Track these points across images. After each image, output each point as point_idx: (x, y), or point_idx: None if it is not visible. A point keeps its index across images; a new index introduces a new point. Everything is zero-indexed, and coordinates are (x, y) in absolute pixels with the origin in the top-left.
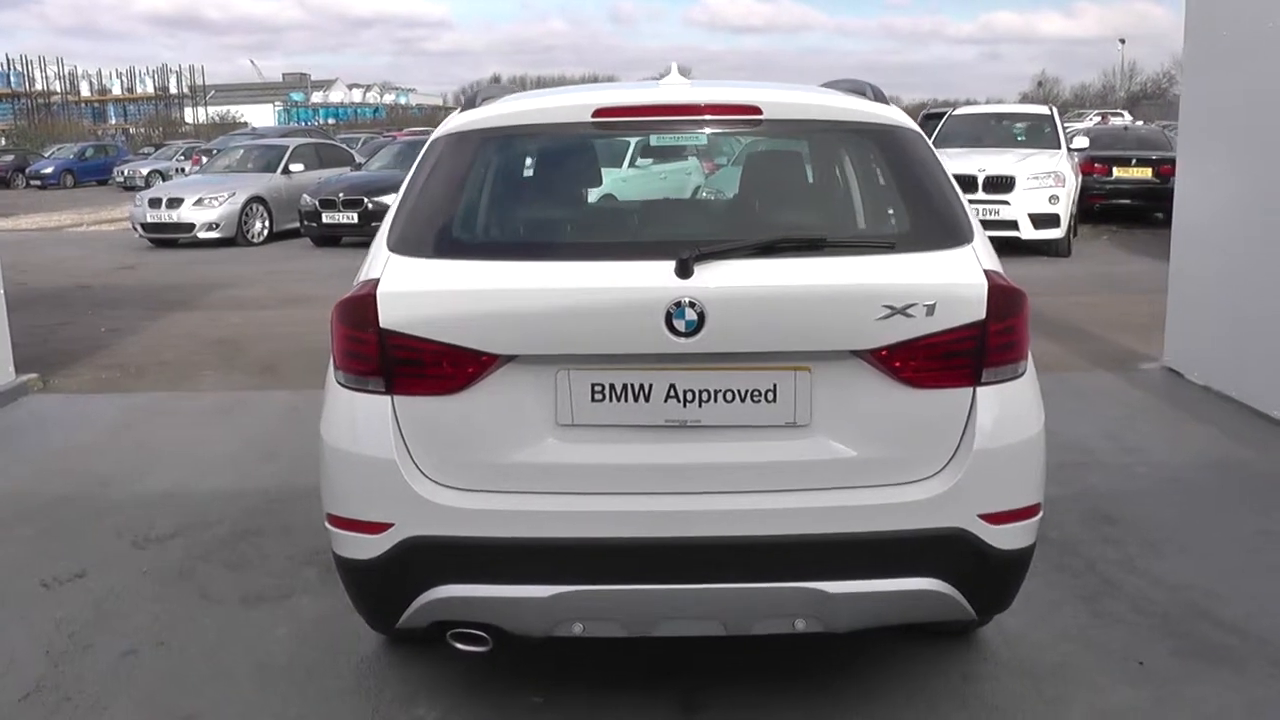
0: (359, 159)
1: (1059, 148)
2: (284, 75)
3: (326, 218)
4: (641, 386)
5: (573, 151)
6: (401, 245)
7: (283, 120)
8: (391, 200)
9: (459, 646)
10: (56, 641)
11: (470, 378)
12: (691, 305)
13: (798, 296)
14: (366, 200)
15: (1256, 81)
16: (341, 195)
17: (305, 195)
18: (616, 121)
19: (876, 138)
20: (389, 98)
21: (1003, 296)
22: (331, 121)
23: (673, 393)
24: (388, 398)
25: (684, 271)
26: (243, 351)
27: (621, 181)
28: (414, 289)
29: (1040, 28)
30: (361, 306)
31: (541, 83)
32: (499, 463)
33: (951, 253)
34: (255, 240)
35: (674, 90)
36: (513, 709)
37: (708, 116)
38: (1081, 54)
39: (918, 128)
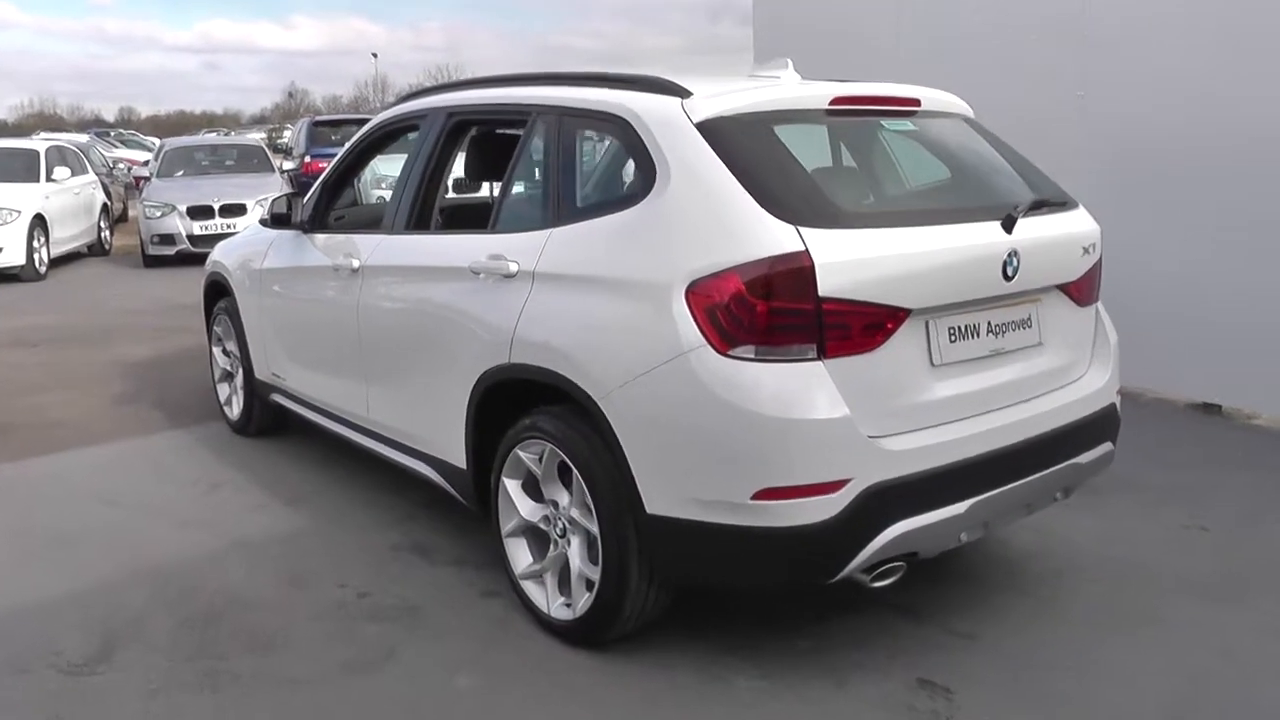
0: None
1: None
2: None
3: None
4: (974, 326)
5: (816, 135)
6: (806, 217)
7: None
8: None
9: (877, 585)
10: None
11: (888, 334)
12: (1014, 254)
13: (1060, 243)
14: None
15: None
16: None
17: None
18: (846, 109)
19: (973, 123)
20: None
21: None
22: None
23: (989, 328)
24: (819, 363)
25: (1009, 228)
26: None
27: None
28: (846, 258)
29: (259, 40)
30: (800, 278)
31: None
32: (903, 405)
33: (1081, 209)
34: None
35: (888, 85)
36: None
37: (910, 108)
38: (304, 66)
39: None
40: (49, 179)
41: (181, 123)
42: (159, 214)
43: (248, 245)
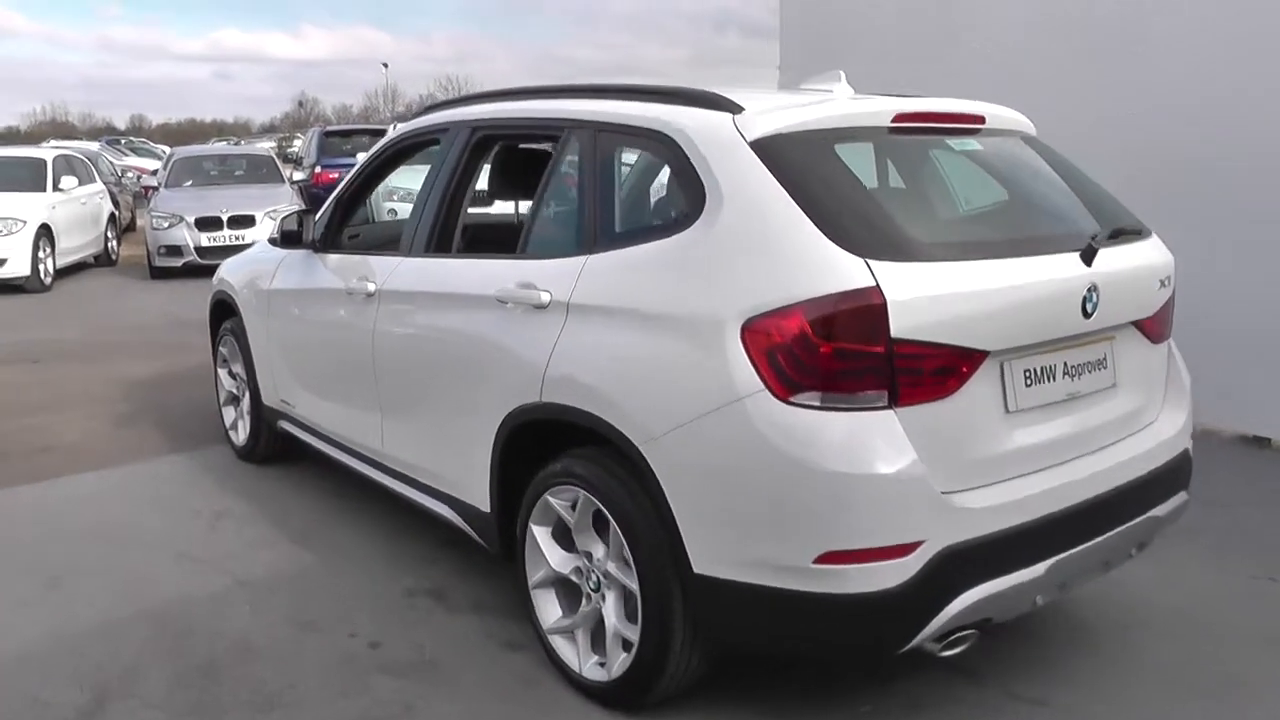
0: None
1: None
2: None
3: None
4: (1050, 368)
5: (861, 154)
6: (875, 248)
7: None
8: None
9: (947, 654)
10: None
11: (964, 378)
12: (1094, 290)
13: (1138, 275)
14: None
15: None
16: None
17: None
18: (909, 127)
19: (1035, 141)
20: None
21: None
22: None
23: (1065, 370)
24: (890, 411)
25: (1088, 260)
26: None
27: None
28: (920, 294)
29: (269, 49)
30: (871, 317)
31: None
32: (977, 457)
33: (1155, 237)
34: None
35: (950, 101)
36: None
37: (974, 125)
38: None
39: None
40: (56, 188)
41: (192, 131)
42: (166, 225)
43: (256, 263)
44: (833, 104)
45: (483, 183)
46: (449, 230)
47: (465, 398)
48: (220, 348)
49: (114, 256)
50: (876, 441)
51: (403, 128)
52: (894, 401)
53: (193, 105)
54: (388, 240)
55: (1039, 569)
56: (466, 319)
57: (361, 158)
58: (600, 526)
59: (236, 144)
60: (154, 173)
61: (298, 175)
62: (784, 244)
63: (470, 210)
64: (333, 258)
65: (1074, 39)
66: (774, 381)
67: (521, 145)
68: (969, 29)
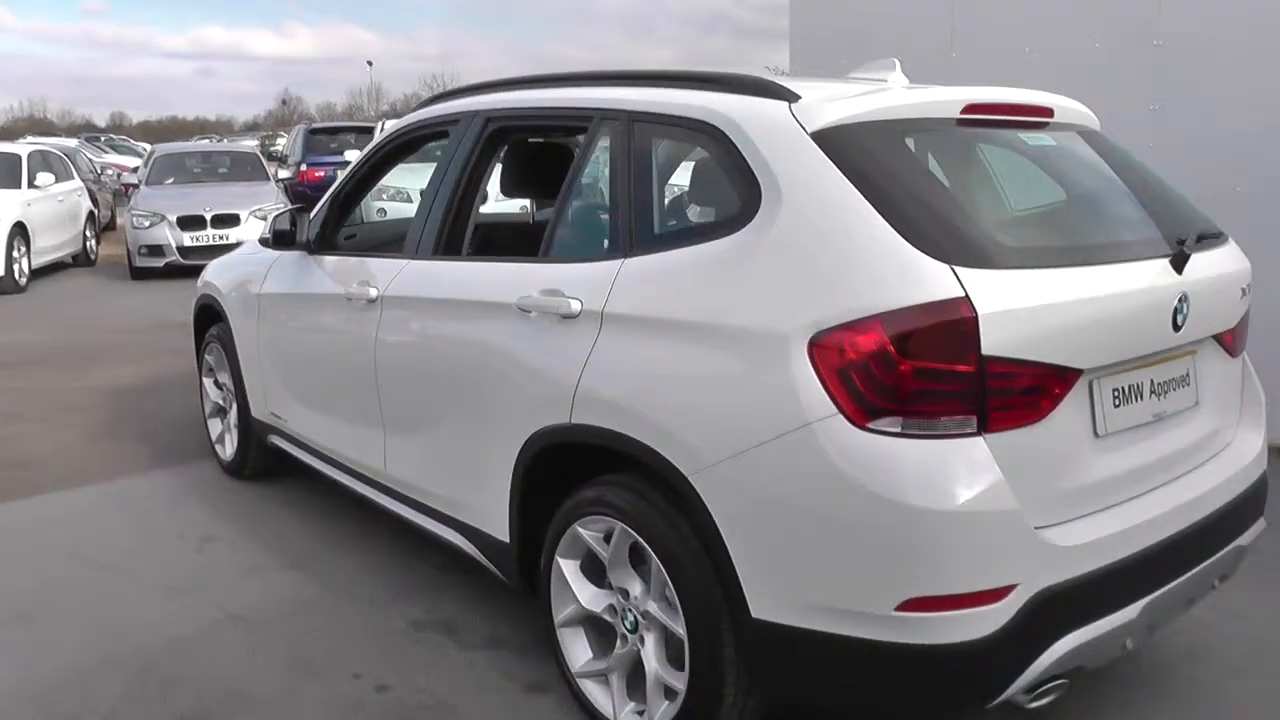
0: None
1: None
2: None
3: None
4: (1138, 386)
5: (944, 148)
6: (960, 254)
7: None
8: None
9: (1034, 706)
10: None
11: (1056, 400)
12: (1185, 299)
13: (1224, 284)
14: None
15: None
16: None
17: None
18: (979, 119)
19: (1099, 136)
20: None
21: None
22: None
23: (1151, 388)
24: (980, 438)
25: (1179, 267)
26: None
27: None
28: (1012, 306)
29: (253, 46)
30: (959, 332)
31: None
32: (1067, 488)
33: (1232, 242)
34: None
35: (1020, 91)
36: None
37: (1043, 119)
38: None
39: None
40: (31, 185)
41: (174, 129)
42: (147, 223)
43: (244, 265)
44: (898, 92)
45: (495, 179)
46: (459, 231)
47: (481, 417)
48: (205, 355)
49: (93, 256)
50: (966, 472)
51: (407, 119)
52: (983, 427)
53: (174, 103)
54: (389, 241)
55: (1133, 610)
56: (482, 329)
57: (350, 155)
58: (637, 559)
59: (220, 141)
60: (134, 170)
61: (283, 173)
62: (856, 248)
63: (483, 209)
64: (329, 260)
65: (1095, 39)
66: (848, 404)
67: (542, 138)
68: (982, 30)
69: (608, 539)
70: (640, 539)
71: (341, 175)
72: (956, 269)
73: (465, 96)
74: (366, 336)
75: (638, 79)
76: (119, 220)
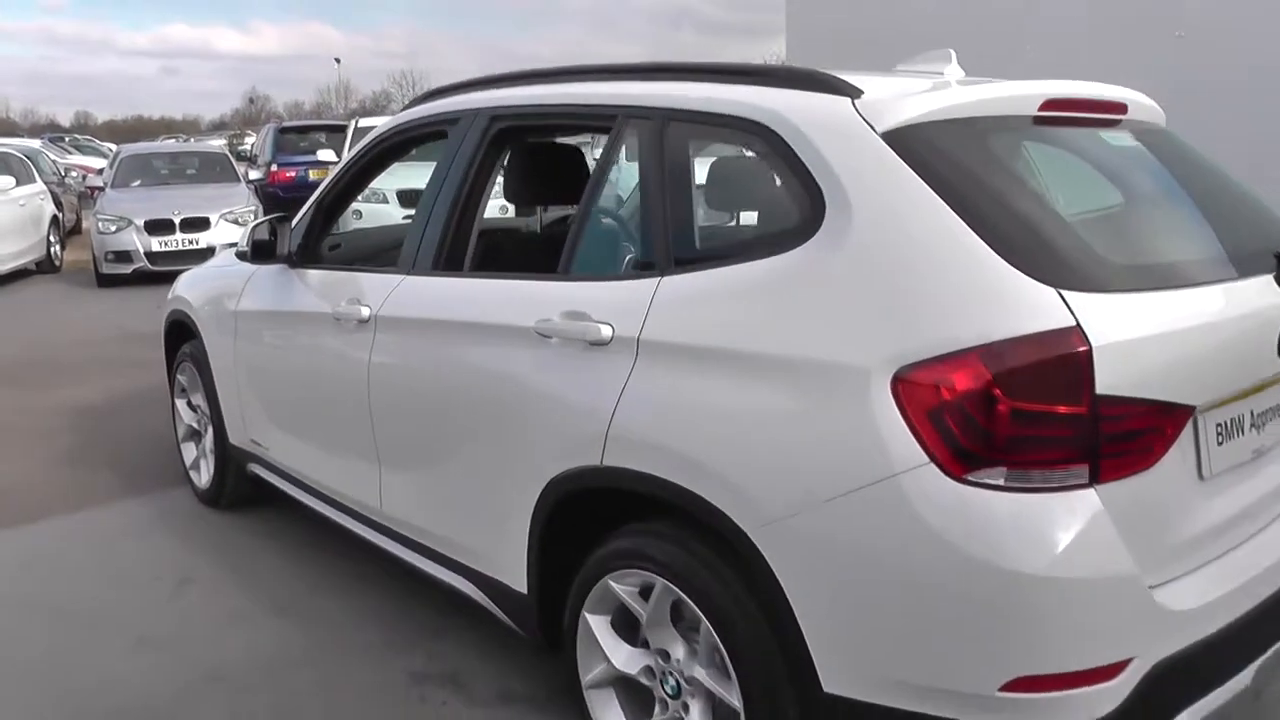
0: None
1: None
2: None
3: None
4: (1239, 420)
5: (1013, 149)
6: (1066, 275)
7: None
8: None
9: None
10: None
11: (1169, 440)
12: None
13: None
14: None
15: None
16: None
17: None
18: (1058, 116)
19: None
20: None
21: None
22: None
23: (1251, 420)
24: (1092, 490)
25: None
26: None
27: None
28: (1125, 336)
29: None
30: (1072, 368)
31: None
32: (1175, 540)
33: None
34: None
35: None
36: None
37: (1116, 115)
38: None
39: None
40: None
41: (139, 128)
42: (114, 228)
43: (219, 279)
44: (971, 87)
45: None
46: (462, 243)
47: (493, 455)
48: (178, 375)
49: (57, 263)
50: (1079, 531)
51: (399, 117)
52: (1094, 477)
53: (139, 102)
54: (380, 252)
55: (1245, 676)
56: (493, 356)
57: (323, 154)
58: (677, 615)
59: (187, 141)
60: (99, 172)
61: (253, 174)
62: (945, 267)
63: (488, 218)
64: (314, 274)
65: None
66: (941, 452)
67: (556, 138)
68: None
69: (645, 594)
70: (686, 598)
71: (326, 180)
72: (1064, 293)
73: (466, 92)
74: (358, 361)
75: (668, 72)
76: (85, 224)
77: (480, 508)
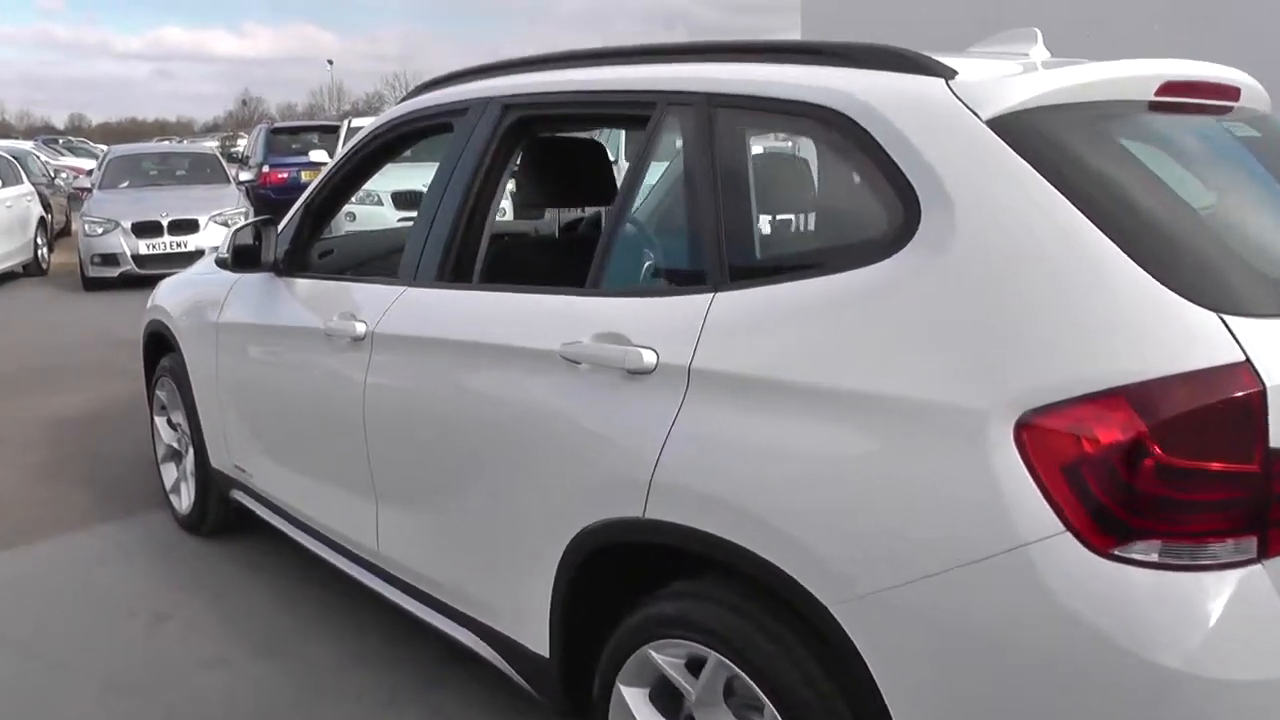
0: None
1: None
2: None
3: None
4: None
5: (1135, 139)
6: (1224, 296)
7: None
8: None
9: None
10: None
11: None
12: None
13: None
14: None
15: None
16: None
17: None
18: (1176, 102)
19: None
20: None
21: None
22: None
23: None
24: (1260, 566)
25: None
26: None
27: None
28: None
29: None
30: (1242, 413)
31: None
32: None
33: None
34: None
35: (1213, 66)
36: None
37: (1230, 102)
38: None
39: None
40: None
41: (133, 130)
42: (100, 230)
43: (199, 287)
44: (1081, 67)
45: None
46: (471, 251)
47: (507, 499)
48: (157, 390)
49: (44, 265)
50: (1251, 620)
51: (398, 109)
52: (1264, 551)
53: (133, 105)
54: (376, 259)
55: None
56: (507, 383)
57: (315, 155)
58: (728, 690)
59: (180, 143)
60: (90, 173)
61: (244, 175)
62: (1076, 284)
63: (500, 221)
64: (302, 284)
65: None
66: (1080, 520)
67: (580, 130)
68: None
69: (693, 668)
70: (745, 675)
71: (316, 179)
72: (1226, 318)
73: (475, 79)
74: (351, 383)
75: (716, 51)
76: (74, 226)
77: (492, 558)
